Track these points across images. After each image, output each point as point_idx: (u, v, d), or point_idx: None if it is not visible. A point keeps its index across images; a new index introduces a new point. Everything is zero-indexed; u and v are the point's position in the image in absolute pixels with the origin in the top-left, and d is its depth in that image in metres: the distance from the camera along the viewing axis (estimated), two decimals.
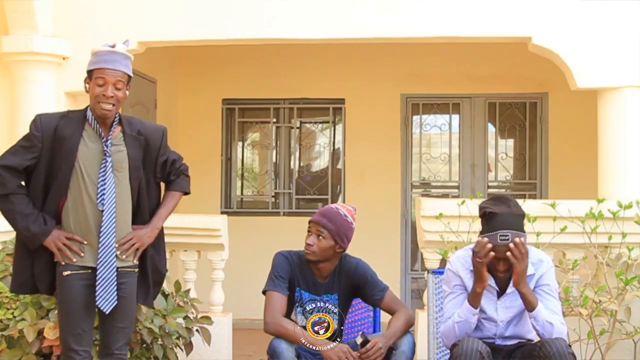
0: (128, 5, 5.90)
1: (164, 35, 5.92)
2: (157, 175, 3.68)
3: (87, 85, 3.55)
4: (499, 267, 3.66)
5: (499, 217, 3.61)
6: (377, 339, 3.67)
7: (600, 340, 4.97)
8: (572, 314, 4.94)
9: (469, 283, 3.75)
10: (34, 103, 5.70)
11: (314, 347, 3.66)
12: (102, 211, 3.45)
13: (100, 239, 3.44)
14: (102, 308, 3.44)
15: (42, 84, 5.79)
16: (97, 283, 3.42)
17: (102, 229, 3.44)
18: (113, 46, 3.52)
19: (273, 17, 5.82)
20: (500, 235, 3.58)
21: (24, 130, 5.48)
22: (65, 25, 5.87)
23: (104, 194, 3.45)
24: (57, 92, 5.85)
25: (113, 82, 3.47)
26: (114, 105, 3.48)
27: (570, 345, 3.63)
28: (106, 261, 3.44)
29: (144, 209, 3.62)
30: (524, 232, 3.66)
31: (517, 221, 3.64)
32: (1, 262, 4.56)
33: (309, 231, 3.89)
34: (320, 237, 3.83)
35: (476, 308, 3.66)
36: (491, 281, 3.74)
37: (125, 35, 5.46)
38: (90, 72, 3.52)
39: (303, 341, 3.68)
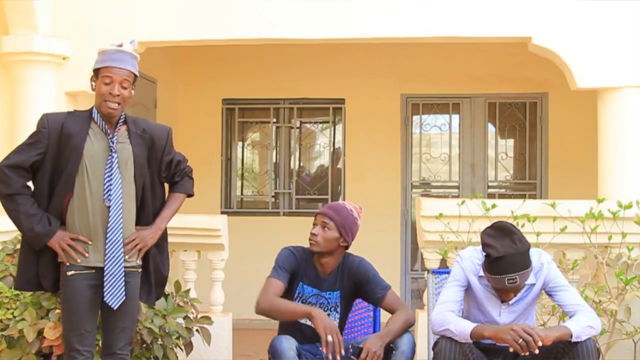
0: (128, 5, 5.90)
1: (163, 35, 5.93)
2: (162, 175, 3.70)
3: (93, 84, 3.55)
4: (507, 297, 3.65)
5: (505, 260, 3.51)
6: (370, 344, 3.65)
7: (600, 340, 4.96)
8: None
9: (475, 285, 3.76)
10: (34, 103, 5.70)
11: (309, 313, 3.66)
12: (109, 207, 3.46)
13: (108, 235, 3.45)
14: (110, 304, 3.44)
15: (42, 84, 5.80)
16: (105, 279, 3.43)
17: (109, 225, 3.45)
18: (120, 45, 3.53)
19: (273, 17, 5.82)
20: (508, 279, 3.52)
21: (24, 130, 5.50)
22: (65, 25, 5.87)
23: (110, 190, 3.46)
24: (57, 92, 5.86)
25: (119, 80, 3.48)
26: (119, 104, 3.49)
27: (596, 341, 3.68)
28: (114, 257, 3.45)
29: (148, 209, 3.63)
30: (529, 266, 3.60)
31: (523, 260, 3.55)
32: (1, 262, 4.56)
33: (314, 223, 3.92)
34: (326, 228, 3.87)
35: (472, 339, 3.57)
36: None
37: (125, 35, 5.47)
38: (97, 71, 3.52)
39: (296, 309, 3.73)
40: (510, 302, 3.73)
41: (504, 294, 3.67)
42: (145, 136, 3.60)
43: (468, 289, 3.80)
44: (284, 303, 3.77)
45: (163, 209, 3.70)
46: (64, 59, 5.87)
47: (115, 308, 3.46)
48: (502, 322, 3.73)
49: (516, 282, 3.51)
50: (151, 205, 3.63)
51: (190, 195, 3.83)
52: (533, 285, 3.74)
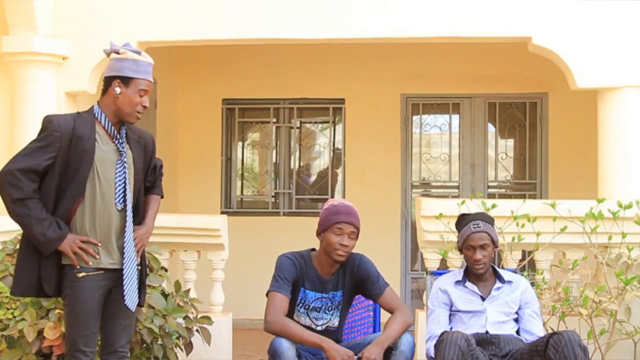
0: (128, 6, 5.90)
1: (163, 35, 5.93)
2: (148, 179, 3.72)
3: (118, 89, 3.46)
4: (476, 256, 4.02)
5: (470, 216, 4.19)
6: (369, 352, 3.66)
7: (600, 340, 4.97)
8: (572, 314, 4.95)
9: (455, 293, 4.08)
10: (34, 103, 5.70)
11: (320, 345, 3.67)
12: (121, 211, 3.47)
13: (126, 239, 3.46)
14: (129, 307, 3.47)
15: (42, 84, 5.79)
16: (124, 282, 3.45)
17: (126, 229, 3.47)
18: (139, 53, 3.51)
19: (273, 17, 5.82)
20: (473, 224, 4.06)
21: (24, 130, 5.51)
22: (65, 25, 5.87)
23: (124, 193, 3.47)
24: (57, 92, 5.86)
25: (149, 93, 3.53)
26: None
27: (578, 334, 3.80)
28: (130, 260, 3.47)
29: (141, 211, 3.65)
30: (491, 224, 4.13)
31: (486, 219, 4.14)
32: (1, 262, 4.55)
33: (339, 232, 3.86)
34: (352, 237, 3.88)
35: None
36: (474, 288, 4.09)
37: (125, 35, 5.49)
38: (127, 78, 3.47)
39: (307, 338, 3.69)
40: (489, 297, 4.05)
41: (474, 254, 4.02)
42: (141, 142, 3.63)
43: (452, 305, 4.10)
44: (295, 329, 3.74)
45: (148, 209, 3.71)
46: (64, 59, 5.87)
47: (133, 310, 3.48)
48: (490, 318, 4.01)
49: (480, 227, 4.04)
50: (141, 208, 3.65)
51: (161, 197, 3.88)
52: (510, 283, 4.10)
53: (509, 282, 4.11)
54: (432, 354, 3.96)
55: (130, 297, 3.47)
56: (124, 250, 3.46)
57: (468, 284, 4.09)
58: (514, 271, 4.59)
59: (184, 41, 6.12)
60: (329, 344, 3.67)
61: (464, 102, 8.43)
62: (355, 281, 3.96)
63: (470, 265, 4.06)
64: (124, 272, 3.45)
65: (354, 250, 4.03)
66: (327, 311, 3.94)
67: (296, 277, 3.88)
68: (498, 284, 4.09)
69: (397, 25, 5.80)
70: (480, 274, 4.05)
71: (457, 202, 5.18)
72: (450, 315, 4.11)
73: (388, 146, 8.36)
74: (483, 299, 4.06)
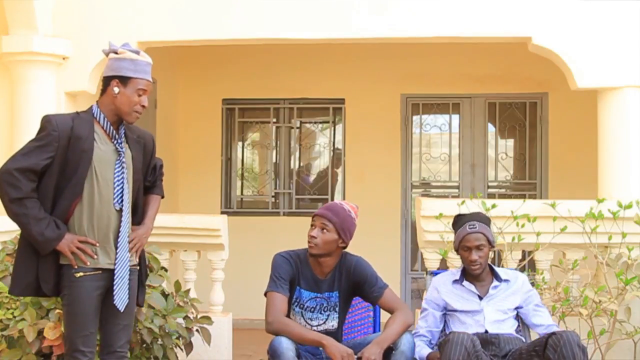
0: (128, 6, 5.90)
1: (163, 35, 5.93)
2: (148, 179, 3.71)
3: (116, 89, 3.46)
4: (472, 257, 4.03)
5: (466, 216, 4.20)
6: (368, 352, 3.66)
7: (600, 340, 4.97)
8: (572, 314, 4.95)
9: (452, 296, 4.09)
10: (34, 103, 5.71)
11: (321, 342, 3.67)
12: (120, 211, 3.47)
13: (119, 239, 3.47)
14: (118, 307, 3.46)
15: (42, 84, 5.80)
16: (114, 283, 3.44)
17: (121, 229, 3.47)
18: (137, 53, 3.51)
19: (273, 17, 5.82)
20: (468, 225, 4.07)
21: (24, 130, 5.51)
22: (65, 25, 5.88)
23: (122, 194, 3.47)
24: (57, 92, 5.86)
25: (148, 93, 3.53)
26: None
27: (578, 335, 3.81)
28: (123, 260, 3.47)
29: (140, 211, 3.65)
30: (487, 225, 4.12)
31: (482, 219, 4.14)
32: (1, 262, 4.55)
33: (312, 225, 3.91)
34: (325, 230, 3.85)
35: None
36: (471, 287, 4.09)
37: (125, 35, 5.49)
38: (126, 78, 3.47)
39: (308, 337, 3.70)
40: (487, 296, 4.07)
41: (470, 254, 4.03)
42: (140, 141, 3.63)
43: (447, 306, 4.11)
44: (296, 328, 3.76)
45: (147, 209, 3.72)
46: (64, 59, 5.87)
47: (122, 311, 3.48)
48: (488, 317, 4.01)
49: (475, 227, 4.04)
50: (140, 208, 3.65)
51: (162, 197, 3.88)
52: (507, 282, 4.09)
53: (506, 280, 4.12)
54: (416, 354, 3.96)
55: (120, 298, 3.45)
56: (117, 251, 3.46)
57: (465, 283, 4.10)
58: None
59: (184, 41, 6.12)
60: (329, 341, 3.68)
61: (464, 102, 8.43)
62: (352, 284, 3.96)
63: (467, 266, 4.07)
64: (114, 272, 3.45)
65: (355, 253, 4.04)
66: (322, 312, 3.94)
67: (292, 275, 3.89)
68: (495, 283, 4.11)
69: (397, 25, 5.80)
70: (477, 274, 4.06)
71: (457, 202, 5.18)
72: (447, 315, 4.12)
73: (388, 146, 8.36)
74: (481, 298, 4.06)
